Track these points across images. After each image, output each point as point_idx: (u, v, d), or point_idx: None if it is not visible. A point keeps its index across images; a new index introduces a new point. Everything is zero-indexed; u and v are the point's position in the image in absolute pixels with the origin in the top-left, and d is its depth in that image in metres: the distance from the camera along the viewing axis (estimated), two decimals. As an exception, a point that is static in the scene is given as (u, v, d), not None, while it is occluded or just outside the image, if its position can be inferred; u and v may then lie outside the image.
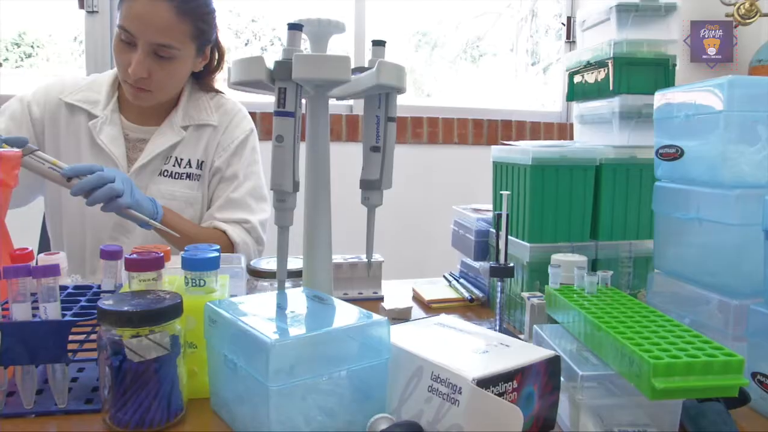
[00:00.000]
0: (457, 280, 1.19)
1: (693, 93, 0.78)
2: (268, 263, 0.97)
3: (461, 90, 2.90)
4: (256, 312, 0.66)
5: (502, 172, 1.04)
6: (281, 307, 0.68)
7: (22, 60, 2.87)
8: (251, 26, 2.79)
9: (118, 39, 1.17)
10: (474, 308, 1.09)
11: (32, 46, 2.82)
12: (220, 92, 1.37)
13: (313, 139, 0.77)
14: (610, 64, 0.94)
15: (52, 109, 1.26)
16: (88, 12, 2.18)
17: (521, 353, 0.65)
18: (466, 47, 3.05)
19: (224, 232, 1.25)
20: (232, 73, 0.73)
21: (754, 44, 2.01)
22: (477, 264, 1.12)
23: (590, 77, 1.02)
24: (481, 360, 0.62)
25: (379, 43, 0.79)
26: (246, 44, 2.77)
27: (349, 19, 2.41)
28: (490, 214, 1.11)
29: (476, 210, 1.17)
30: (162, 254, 0.73)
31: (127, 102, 1.26)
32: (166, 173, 1.27)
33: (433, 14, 2.92)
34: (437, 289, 1.17)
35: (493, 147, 1.07)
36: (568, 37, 2.56)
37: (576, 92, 1.08)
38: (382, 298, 1.12)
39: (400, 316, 1.00)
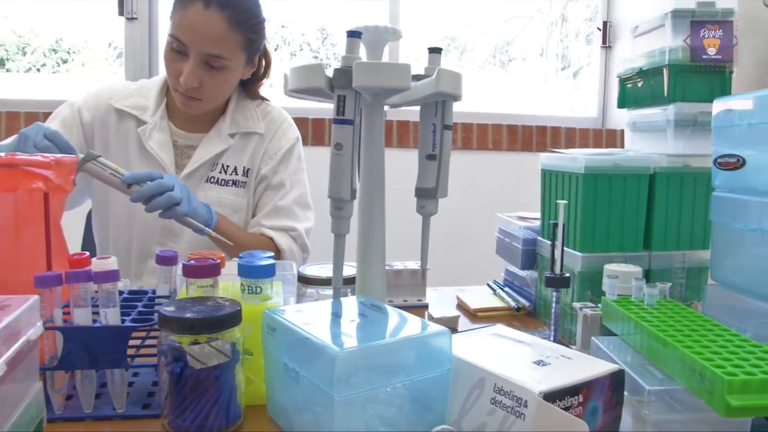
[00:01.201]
0: (502, 289, 1.17)
1: (757, 100, 0.76)
2: (317, 270, 0.97)
3: (490, 95, 2.88)
4: (316, 320, 0.66)
5: (552, 180, 1.03)
6: (340, 315, 0.68)
7: (58, 65, 2.93)
8: (281, 32, 2.81)
9: (170, 48, 1.18)
10: (520, 317, 1.08)
11: (68, 52, 2.87)
12: (266, 100, 1.38)
13: (368, 146, 0.77)
14: (665, 71, 0.93)
15: (101, 115, 1.28)
16: (127, 19, 2.21)
17: (585, 366, 0.63)
18: (495, 52, 3.04)
19: (271, 239, 1.25)
20: (290, 81, 0.73)
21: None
22: (524, 273, 1.10)
23: (643, 84, 1.00)
24: (545, 373, 0.61)
25: (435, 50, 0.78)
26: (275, 49, 2.79)
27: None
28: (537, 223, 1.10)
29: (522, 218, 1.15)
30: (219, 261, 0.73)
31: (176, 108, 1.28)
32: (212, 180, 1.28)
33: (462, 19, 2.91)
34: (482, 297, 1.16)
35: (541, 155, 1.06)
36: (604, 42, 2.53)
37: (627, 99, 1.06)
38: (426, 306, 1.12)
39: (448, 325, 0.99)
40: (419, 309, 1.10)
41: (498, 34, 2.95)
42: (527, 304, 1.09)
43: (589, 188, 0.92)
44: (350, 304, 0.72)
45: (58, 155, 0.82)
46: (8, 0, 2.60)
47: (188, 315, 0.63)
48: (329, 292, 0.97)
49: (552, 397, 0.58)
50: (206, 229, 1.07)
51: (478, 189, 2.30)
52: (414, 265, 1.13)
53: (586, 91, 2.75)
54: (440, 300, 1.17)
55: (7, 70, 2.93)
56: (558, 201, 0.84)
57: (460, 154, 2.32)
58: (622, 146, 2.43)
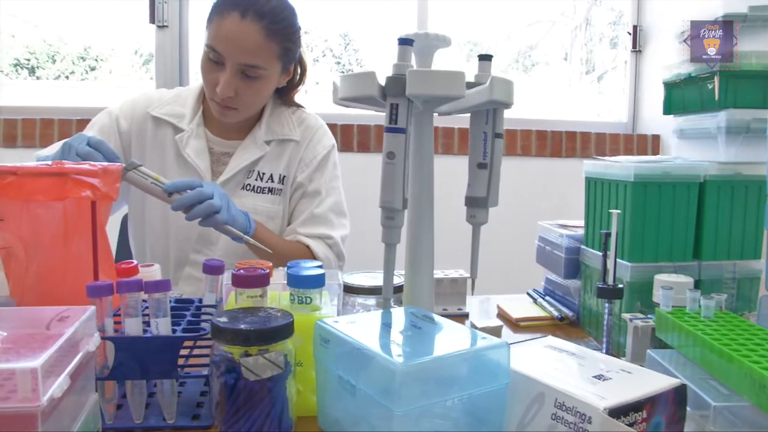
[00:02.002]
0: (543, 297, 1.16)
1: (818, 107, 0.74)
2: (359, 279, 0.96)
3: (514, 100, 2.86)
4: (370, 332, 0.65)
5: (597, 187, 1.01)
6: (393, 326, 0.67)
7: (86, 73, 2.96)
8: (303, 38, 2.82)
9: (206, 58, 1.18)
10: (563, 327, 1.06)
11: (96, 60, 2.91)
12: (301, 107, 1.37)
13: (418, 154, 0.76)
14: (715, 77, 0.91)
15: (139, 123, 1.28)
16: (158, 26, 2.23)
17: (647, 381, 0.62)
18: (518, 57, 3.02)
19: (308, 247, 1.25)
20: (341, 89, 0.72)
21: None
22: (566, 282, 1.09)
23: (692, 90, 0.98)
24: (607, 387, 0.60)
25: (485, 58, 0.77)
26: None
27: (412, 29, 2.40)
28: (580, 231, 1.08)
29: (563, 225, 1.13)
30: (268, 271, 0.73)
31: (212, 116, 1.28)
32: (248, 187, 1.28)
33: (486, 24, 2.90)
34: (522, 306, 1.14)
35: (585, 161, 1.04)
36: (634, 46, 2.50)
37: (674, 105, 1.04)
38: (467, 315, 1.10)
39: (492, 335, 0.98)
40: (459, 318, 1.08)
41: (521, 38, 2.94)
42: (570, 313, 1.07)
43: (638, 196, 0.90)
44: (402, 315, 0.71)
45: (105, 163, 0.81)
46: (38, 9, 2.64)
47: (242, 326, 0.62)
48: (371, 301, 0.96)
49: (617, 413, 0.56)
50: (245, 236, 1.06)
51: (509, 196, 2.28)
52: (454, 273, 1.12)
53: (611, 96, 2.72)
54: (480, 309, 1.15)
55: (37, 78, 2.97)
56: (611, 210, 0.82)
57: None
58: (654, 152, 2.39)
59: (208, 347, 0.76)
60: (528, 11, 2.83)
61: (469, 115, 0.80)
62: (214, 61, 1.17)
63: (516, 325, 1.06)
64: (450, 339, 0.64)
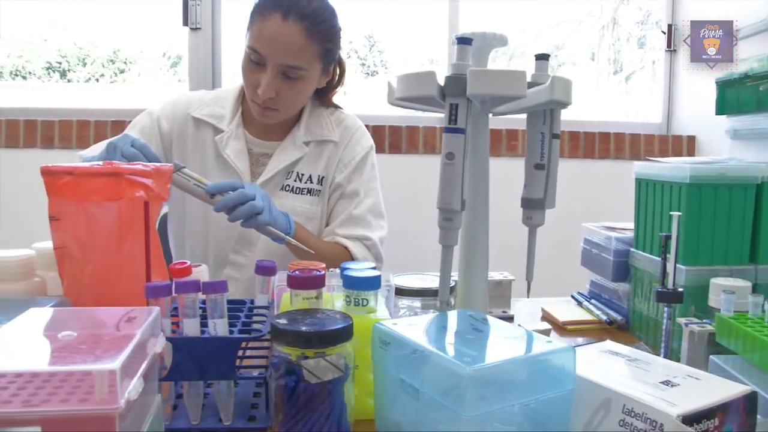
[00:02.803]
0: (588, 301, 1.14)
1: None
2: (405, 281, 0.96)
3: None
4: (431, 335, 0.64)
5: (649, 189, 0.99)
6: (454, 329, 0.66)
7: (116, 75, 3.00)
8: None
9: (248, 59, 1.18)
10: (611, 331, 1.04)
11: (125, 62, 2.95)
12: (339, 107, 1.37)
13: (474, 155, 0.75)
14: (775, 76, 0.88)
15: (180, 124, 1.29)
16: (191, 29, 2.24)
17: (717, 388, 0.60)
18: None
19: (346, 248, 1.24)
20: (398, 89, 0.72)
21: None
22: (614, 285, 1.07)
23: (747, 90, 0.96)
24: (677, 394, 0.58)
25: (542, 57, 0.76)
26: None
27: (443, 30, 2.40)
28: (628, 233, 1.06)
29: (609, 228, 1.12)
30: (323, 272, 0.72)
31: (251, 116, 1.28)
32: (287, 188, 1.28)
33: (514, 25, 2.88)
34: (568, 309, 1.12)
35: (635, 163, 1.02)
36: (669, 45, 2.46)
37: (728, 105, 1.02)
38: (512, 318, 1.09)
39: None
40: (504, 321, 1.07)
41: (548, 38, 2.91)
42: (619, 317, 1.05)
43: (693, 199, 0.89)
44: (460, 318, 0.70)
45: (156, 164, 0.82)
46: (69, 13, 2.67)
47: (303, 328, 0.62)
48: (417, 303, 0.96)
49: (689, 420, 0.55)
50: (286, 237, 1.06)
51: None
52: (498, 275, 1.11)
53: (639, 96, 2.67)
54: (524, 312, 1.14)
55: (68, 81, 3.01)
56: (671, 213, 0.80)
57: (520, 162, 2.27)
58: (690, 153, 2.35)
59: (260, 348, 0.76)
60: (554, 11, 2.81)
61: (514, 116, 0.79)
62: (255, 62, 1.17)
63: (563, 328, 1.05)
64: (513, 343, 0.63)
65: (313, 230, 1.30)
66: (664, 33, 2.48)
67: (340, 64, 1.33)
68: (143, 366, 0.50)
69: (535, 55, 0.76)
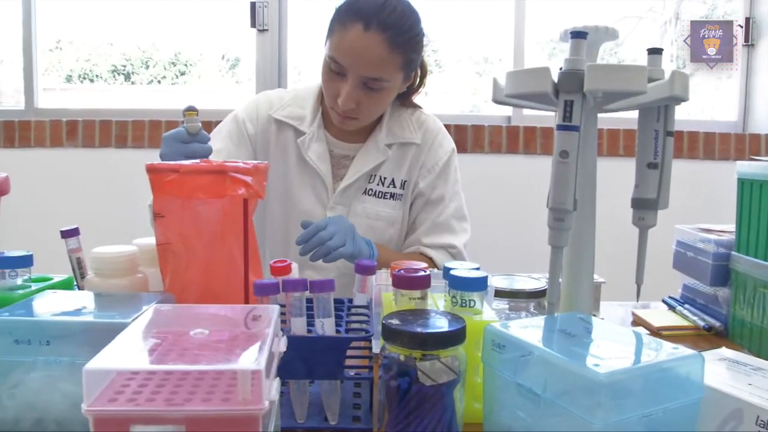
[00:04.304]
0: (681, 306, 1.09)
1: None
2: (500, 282, 0.94)
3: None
4: (549, 338, 0.62)
5: (754, 190, 0.94)
6: (569, 333, 0.64)
7: (177, 77, 3.07)
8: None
9: (327, 68, 1.16)
10: (709, 338, 1.00)
11: (186, 65, 3.01)
12: (419, 107, 1.35)
13: (582, 154, 0.73)
14: None
15: (263, 125, 1.29)
16: (259, 30, 2.26)
17: None
18: (603, 54, 2.92)
19: (431, 260, 1.23)
20: (508, 85, 0.70)
21: None
22: (711, 289, 1.02)
23: None
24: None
25: (656, 51, 0.73)
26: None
27: (508, 27, 2.37)
28: (728, 236, 1.01)
29: (705, 230, 1.07)
30: (429, 273, 0.71)
31: (331, 118, 1.27)
32: (370, 192, 1.27)
33: (569, 21, 2.81)
34: (660, 314, 1.08)
35: (738, 162, 0.98)
36: (746, 40, 2.36)
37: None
38: (602, 322, 1.05)
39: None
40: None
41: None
42: (717, 323, 1.00)
43: (808, 199, 0.84)
44: (571, 321, 0.67)
45: (255, 162, 0.82)
46: (133, 18, 2.75)
47: (418, 329, 0.60)
48: (503, 305, 0.94)
49: (836, 435, 0.51)
50: None
51: (617, 198, 2.19)
52: (587, 278, 1.07)
53: (704, 93, 2.57)
54: (614, 316, 1.10)
55: (132, 83, 3.10)
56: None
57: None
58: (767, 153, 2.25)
59: (361, 348, 0.75)
60: (615, 8, 2.74)
61: (606, 114, 0.76)
62: (335, 71, 1.15)
63: (657, 334, 1.01)
64: (638, 348, 0.61)
65: (394, 235, 1.29)
66: (742, 27, 2.39)
67: (423, 67, 1.30)
68: (273, 369, 0.50)
69: (648, 50, 0.73)
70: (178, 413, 0.42)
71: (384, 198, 1.27)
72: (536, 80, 0.66)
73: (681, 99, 0.69)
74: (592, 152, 0.73)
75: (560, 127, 0.65)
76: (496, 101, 0.73)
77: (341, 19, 1.13)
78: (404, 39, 1.13)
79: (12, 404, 0.65)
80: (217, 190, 0.76)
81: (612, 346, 0.61)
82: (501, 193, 2.19)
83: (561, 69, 0.67)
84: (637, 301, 0.75)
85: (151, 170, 0.77)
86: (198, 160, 0.91)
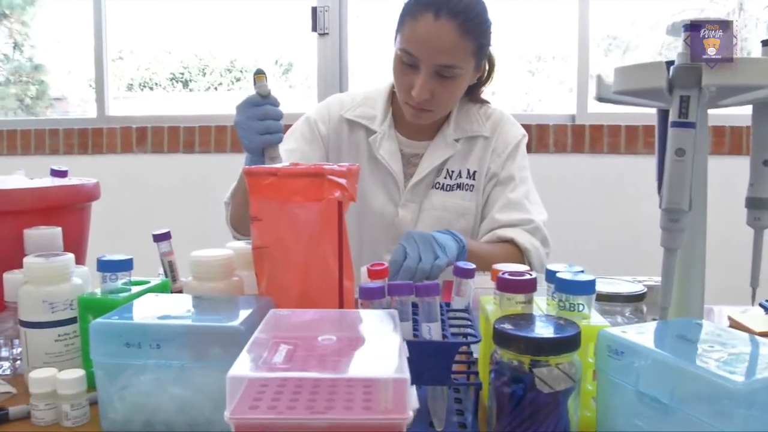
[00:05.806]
0: (780, 309, 1.04)
1: None
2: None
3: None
4: (670, 345, 0.59)
5: None
6: (690, 339, 0.61)
7: (232, 84, 3.12)
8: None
9: (399, 62, 1.17)
10: (815, 343, 0.95)
11: (241, 71, 3.06)
12: (487, 102, 1.35)
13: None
14: None
15: (335, 126, 1.30)
16: (320, 34, 2.28)
17: None
18: (661, 49, 2.83)
19: (512, 241, 1.21)
20: (617, 81, 0.68)
21: None
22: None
23: None
24: None
25: (771, 43, 0.69)
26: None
27: (568, 25, 2.32)
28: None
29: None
30: (535, 276, 0.69)
31: (401, 117, 1.28)
32: (438, 185, 1.28)
33: (626, 17, 2.74)
34: (759, 318, 1.03)
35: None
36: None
37: None
38: (696, 327, 1.01)
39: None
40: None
41: (665, 28, 2.75)
42: (824, 328, 0.95)
43: None
44: (687, 326, 0.65)
45: (347, 164, 0.82)
46: (189, 27, 2.81)
47: (533, 334, 0.59)
48: (596, 308, 0.91)
49: None
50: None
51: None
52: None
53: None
54: (708, 321, 1.06)
55: (190, 90, 3.16)
56: None
57: (646, 159, 2.15)
58: None
59: (462, 353, 0.74)
60: (674, 1, 2.66)
61: (711, 111, 0.73)
62: (408, 64, 1.16)
63: (758, 339, 0.97)
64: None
65: (466, 226, 1.28)
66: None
67: (491, 59, 1.30)
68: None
69: (762, 41, 0.70)
70: (320, 421, 0.41)
71: (452, 190, 1.28)
72: (652, 75, 0.64)
73: (806, 92, 0.65)
74: (704, 149, 0.70)
75: (676, 124, 0.63)
76: (601, 99, 0.71)
77: (411, 11, 1.15)
78: (474, 24, 1.14)
79: (122, 406, 0.66)
80: (314, 194, 0.75)
81: (738, 353, 0.58)
82: (566, 194, 2.15)
83: (669, 63, 0.64)
84: (752, 304, 0.72)
85: (249, 174, 0.77)
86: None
